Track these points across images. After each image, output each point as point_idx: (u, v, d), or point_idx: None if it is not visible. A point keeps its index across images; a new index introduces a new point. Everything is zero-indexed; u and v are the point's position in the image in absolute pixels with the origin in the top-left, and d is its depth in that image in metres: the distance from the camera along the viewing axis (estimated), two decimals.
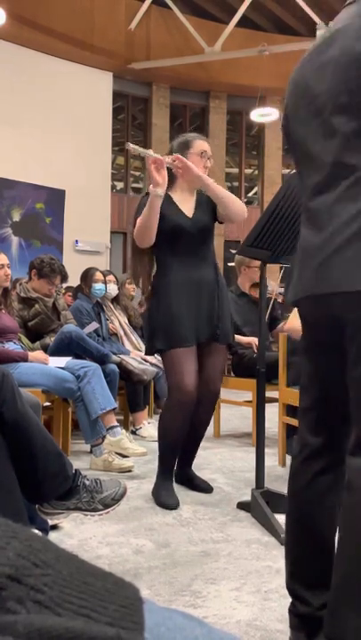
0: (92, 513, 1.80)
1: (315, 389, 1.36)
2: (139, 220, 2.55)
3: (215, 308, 2.65)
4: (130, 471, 3.14)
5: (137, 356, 4.20)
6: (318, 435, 1.35)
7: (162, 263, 2.65)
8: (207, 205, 2.69)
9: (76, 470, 1.82)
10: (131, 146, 2.36)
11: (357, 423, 1.20)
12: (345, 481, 1.19)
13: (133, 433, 4.07)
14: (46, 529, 1.97)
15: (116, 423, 3.34)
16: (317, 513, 1.34)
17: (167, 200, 2.58)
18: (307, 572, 1.34)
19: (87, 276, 4.38)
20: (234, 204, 2.60)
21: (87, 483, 1.81)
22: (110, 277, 4.72)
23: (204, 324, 2.62)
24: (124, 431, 3.36)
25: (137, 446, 3.28)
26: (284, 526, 1.46)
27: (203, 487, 2.78)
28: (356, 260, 1.14)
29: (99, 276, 4.38)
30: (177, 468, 2.82)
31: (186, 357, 2.57)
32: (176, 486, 2.70)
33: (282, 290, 4.57)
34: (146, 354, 2.93)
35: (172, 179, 2.58)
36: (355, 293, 1.15)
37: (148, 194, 2.59)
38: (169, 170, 2.55)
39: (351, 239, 1.15)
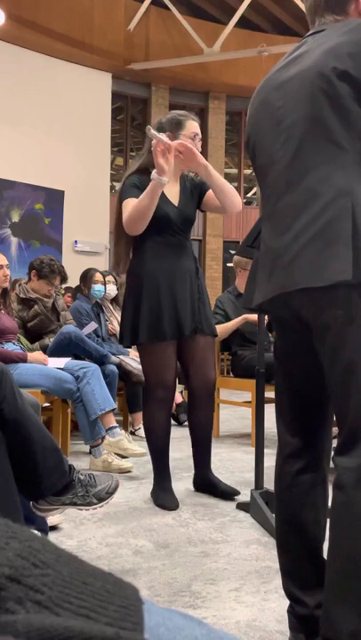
0: (87, 507, 1.80)
1: (290, 390, 1.38)
2: (135, 206, 2.41)
3: (197, 301, 2.58)
4: (129, 472, 3.14)
5: (136, 357, 4.20)
6: (296, 435, 1.37)
7: (144, 251, 2.55)
8: (192, 193, 2.63)
9: (70, 466, 1.82)
10: (151, 131, 2.24)
11: (342, 424, 1.21)
12: (334, 480, 1.20)
13: (132, 433, 4.07)
14: (45, 529, 1.97)
15: (115, 424, 3.34)
16: (302, 512, 1.35)
17: None
18: (299, 572, 1.35)
19: (86, 276, 4.39)
20: (231, 195, 2.53)
21: (82, 477, 1.82)
22: (109, 278, 4.72)
23: (186, 316, 2.53)
24: (123, 432, 3.36)
25: (136, 447, 3.28)
26: None
27: (229, 492, 2.64)
28: (320, 258, 1.18)
29: (98, 276, 4.38)
30: (194, 475, 2.76)
31: (166, 352, 2.53)
32: (175, 487, 2.69)
33: None
34: (124, 345, 2.75)
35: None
36: (319, 290, 1.18)
37: (131, 175, 2.54)
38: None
39: (314, 238, 1.19)
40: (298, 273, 1.21)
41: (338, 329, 1.18)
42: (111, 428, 3.30)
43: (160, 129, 2.58)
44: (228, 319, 4.16)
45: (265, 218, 1.35)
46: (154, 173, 2.34)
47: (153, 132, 2.26)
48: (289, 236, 1.23)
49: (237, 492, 2.62)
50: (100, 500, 1.82)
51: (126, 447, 3.27)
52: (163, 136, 2.34)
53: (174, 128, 2.57)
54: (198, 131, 2.62)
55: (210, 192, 2.61)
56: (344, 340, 1.18)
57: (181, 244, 2.60)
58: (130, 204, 2.47)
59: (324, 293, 1.19)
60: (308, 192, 1.22)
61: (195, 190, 2.64)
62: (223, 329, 4.03)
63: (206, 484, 2.72)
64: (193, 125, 2.60)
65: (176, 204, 2.58)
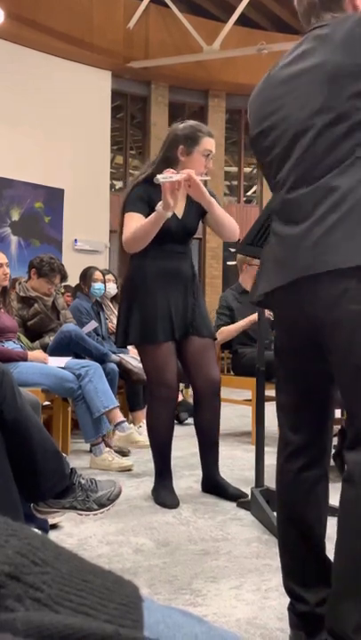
0: (87, 512, 1.80)
1: (292, 388, 1.38)
2: (136, 231, 2.45)
3: (191, 304, 2.60)
4: (130, 470, 3.15)
5: (136, 355, 4.20)
6: (299, 432, 1.37)
7: (141, 254, 2.55)
8: (198, 206, 2.61)
9: (72, 469, 1.82)
10: (160, 180, 2.24)
11: (352, 419, 1.22)
12: (344, 474, 1.20)
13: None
14: (46, 528, 1.97)
15: (123, 418, 3.34)
16: (304, 509, 1.35)
17: (160, 195, 2.43)
18: (301, 569, 1.35)
19: (86, 275, 4.38)
20: (230, 228, 2.57)
21: (83, 482, 1.81)
22: (109, 276, 4.71)
23: (180, 320, 2.57)
24: (132, 425, 3.37)
25: (146, 439, 3.30)
26: None
27: (237, 495, 2.60)
28: (341, 243, 1.16)
29: (98, 275, 4.38)
30: (202, 476, 2.75)
31: (164, 352, 2.54)
32: (176, 485, 2.69)
33: None
34: (118, 345, 2.79)
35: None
36: (331, 282, 1.17)
37: (137, 185, 2.54)
38: (170, 160, 2.49)
39: (335, 225, 1.17)
40: (317, 258, 1.18)
41: (350, 325, 1.18)
42: (120, 423, 3.31)
43: (175, 138, 2.56)
44: (233, 318, 4.15)
45: (276, 210, 1.34)
46: (159, 206, 2.36)
47: (161, 180, 2.25)
48: (307, 224, 1.21)
49: (245, 495, 2.57)
50: (101, 505, 1.81)
51: (137, 440, 3.28)
52: (172, 176, 2.30)
53: (189, 143, 2.54)
54: (213, 149, 2.60)
55: None
56: (356, 337, 1.18)
57: (181, 250, 2.63)
58: (132, 219, 2.49)
59: (336, 287, 1.17)
60: (325, 185, 1.21)
61: (200, 204, 2.60)
62: (228, 331, 4.04)
63: (213, 485, 2.70)
64: (209, 143, 2.57)
65: (180, 217, 2.59)
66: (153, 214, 2.40)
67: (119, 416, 3.32)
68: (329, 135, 1.22)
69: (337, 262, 1.16)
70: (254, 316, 3.96)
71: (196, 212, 2.63)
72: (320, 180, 1.22)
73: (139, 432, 4.05)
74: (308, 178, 1.25)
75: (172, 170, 2.37)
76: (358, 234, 1.15)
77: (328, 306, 1.20)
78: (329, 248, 1.17)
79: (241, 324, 4.04)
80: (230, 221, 2.59)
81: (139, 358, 4.06)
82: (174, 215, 2.55)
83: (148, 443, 3.23)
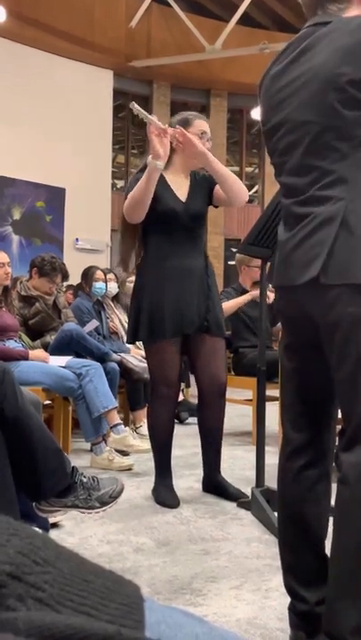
0: (89, 510, 1.80)
1: (295, 387, 1.39)
2: (132, 193, 2.41)
3: (205, 299, 2.56)
4: (130, 469, 3.15)
5: (137, 355, 4.20)
6: (301, 431, 1.38)
7: (151, 248, 2.54)
8: (202, 189, 2.59)
9: (73, 467, 1.82)
10: (135, 106, 2.19)
11: (348, 420, 1.23)
12: (339, 475, 1.21)
13: (134, 431, 4.07)
14: (47, 527, 1.97)
15: (119, 421, 3.35)
16: (305, 507, 1.36)
17: (161, 181, 2.45)
18: (301, 568, 1.36)
19: (88, 274, 4.38)
20: (237, 186, 2.48)
21: (84, 480, 1.81)
22: (111, 276, 4.72)
23: (193, 315, 2.52)
24: (128, 428, 3.37)
25: (141, 443, 3.30)
26: None
27: (237, 495, 2.59)
28: (305, 256, 1.24)
29: (99, 274, 4.38)
30: (203, 476, 2.75)
31: (169, 350, 2.52)
32: (176, 484, 2.69)
33: None
34: (128, 342, 2.81)
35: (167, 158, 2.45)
36: (325, 287, 1.21)
37: (141, 170, 2.51)
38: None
39: (304, 238, 1.25)
40: (287, 271, 1.28)
41: (347, 327, 1.20)
42: (116, 425, 3.31)
43: (170, 126, 2.56)
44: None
45: (282, 213, 1.40)
46: (149, 158, 2.33)
47: (137, 107, 2.20)
48: (288, 235, 1.30)
49: (246, 495, 2.56)
50: (103, 503, 1.81)
51: (131, 444, 3.28)
52: (154, 118, 2.31)
53: (183, 126, 2.54)
54: (207, 129, 2.60)
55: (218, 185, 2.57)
56: (352, 339, 1.20)
57: (191, 240, 2.57)
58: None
59: (330, 291, 1.20)
60: (310, 199, 1.25)
61: (204, 184, 2.60)
62: (227, 307, 4.04)
63: (214, 485, 2.70)
64: (201, 124, 2.59)
65: (184, 200, 2.55)
66: (145, 171, 2.37)
67: (116, 418, 3.33)
68: (315, 149, 1.25)
69: (295, 278, 1.25)
70: (255, 293, 3.97)
71: (202, 194, 2.60)
72: (306, 194, 1.26)
73: (139, 431, 4.07)
74: (295, 190, 1.29)
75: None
76: (312, 254, 1.22)
77: (324, 308, 1.23)
78: (288, 266, 1.28)
79: (240, 299, 4.01)
80: (234, 178, 2.50)
81: (140, 357, 4.09)
82: (178, 199, 2.53)
83: (142, 447, 3.23)
